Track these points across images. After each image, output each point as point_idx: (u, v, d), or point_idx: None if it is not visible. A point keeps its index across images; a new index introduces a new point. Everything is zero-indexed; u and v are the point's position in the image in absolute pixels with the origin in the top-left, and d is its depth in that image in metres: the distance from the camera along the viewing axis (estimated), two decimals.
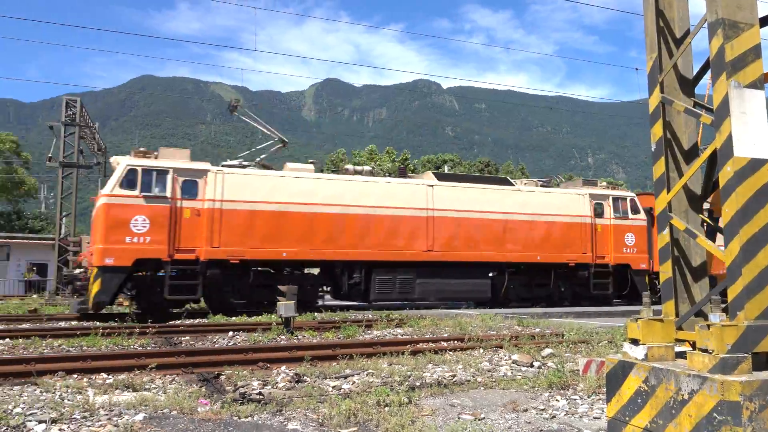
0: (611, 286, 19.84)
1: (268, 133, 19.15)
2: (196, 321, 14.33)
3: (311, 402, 5.86)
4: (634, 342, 3.98)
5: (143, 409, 5.46)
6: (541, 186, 20.62)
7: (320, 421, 5.27)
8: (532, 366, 8.34)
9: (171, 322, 13.62)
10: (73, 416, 5.13)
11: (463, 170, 74.16)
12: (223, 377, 7.48)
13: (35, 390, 6.38)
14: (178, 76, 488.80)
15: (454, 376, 7.56)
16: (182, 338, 11.65)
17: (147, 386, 6.81)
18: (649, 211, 21.57)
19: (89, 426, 4.86)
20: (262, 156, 18.77)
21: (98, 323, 12.96)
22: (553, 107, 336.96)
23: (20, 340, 10.39)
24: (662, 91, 4.36)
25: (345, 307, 17.83)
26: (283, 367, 8.03)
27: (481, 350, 9.54)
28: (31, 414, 5.16)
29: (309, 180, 17.10)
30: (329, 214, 16.91)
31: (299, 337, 11.60)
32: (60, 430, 4.76)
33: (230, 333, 11.99)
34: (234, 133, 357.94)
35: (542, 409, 5.78)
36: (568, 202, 19.77)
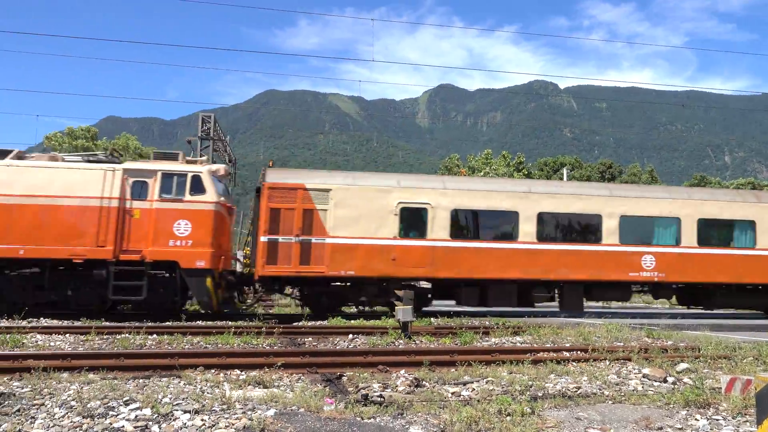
0: (145, 289, 14.96)
1: None
2: (317, 323, 14.91)
3: (432, 407, 5.89)
4: None
5: (274, 405, 5.79)
6: (80, 161, 15.95)
7: (441, 426, 5.28)
8: (665, 381, 7.79)
9: (295, 324, 14.26)
10: (213, 408, 5.54)
11: (583, 174, 70.80)
12: (344, 378, 7.73)
13: (179, 382, 6.97)
14: (298, 89, 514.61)
15: (578, 387, 7.24)
16: (305, 339, 12.18)
17: (276, 384, 7.21)
18: (257, 191, 17.14)
19: (227, 418, 5.23)
20: None
21: (230, 323, 13.89)
22: (684, 103, 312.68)
23: (165, 336, 11.41)
24: None
25: (459, 313, 17.70)
26: (402, 371, 8.14)
27: (607, 362, 9.07)
28: (177, 404, 5.65)
29: None
30: None
31: (416, 341, 11.69)
32: (202, 420, 5.17)
33: (350, 336, 12.35)
34: (351, 142, 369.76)
35: (679, 428, 5.38)
36: (83, 180, 15.15)
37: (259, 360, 8.35)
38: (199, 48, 31.26)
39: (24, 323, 13.07)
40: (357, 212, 16.47)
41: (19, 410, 5.43)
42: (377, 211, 16.57)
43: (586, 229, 17.86)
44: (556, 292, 17.90)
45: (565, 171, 53.22)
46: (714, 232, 18.43)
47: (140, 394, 6.03)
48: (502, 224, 17.51)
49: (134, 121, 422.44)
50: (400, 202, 16.73)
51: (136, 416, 5.26)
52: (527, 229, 17.17)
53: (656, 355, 9.43)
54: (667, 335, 12.43)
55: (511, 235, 17.25)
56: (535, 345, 11.17)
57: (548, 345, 11.12)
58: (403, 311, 11.99)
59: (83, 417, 5.23)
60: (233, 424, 5.07)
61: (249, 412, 5.44)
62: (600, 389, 7.20)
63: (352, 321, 14.99)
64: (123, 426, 5.02)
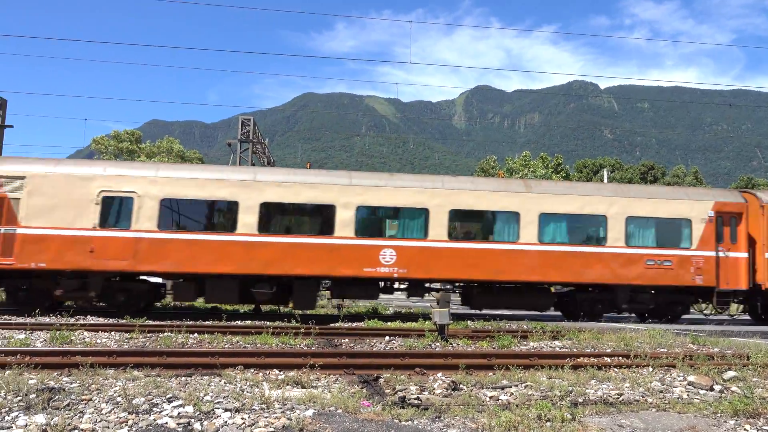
0: None
1: None
2: (354, 324, 14.97)
3: (469, 411, 5.85)
4: None
5: (312, 405, 5.84)
6: None
7: (479, 430, 5.24)
8: (712, 389, 7.55)
9: (331, 325, 14.36)
10: (253, 407, 5.63)
11: (624, 175, 69.27)
12: (381, 380, 7.74)
13: (220, 381, 7.10)
14: (335, 92, 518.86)
15: (620, 394, 7.09)
16: (342, 340, 12.25)
17: (314, 384, 7.27)
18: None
19: (266, 417, 5.30)
20: None
21: (268, 323, 14.08)
22: (731, 102, 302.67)
23: (206, 336, 11.64)
24: None
25: (498, 316, 17.52)
26: (440, 374, 8.10)
27: (650, 368, 8.84)
28: (218, 402, 5.75)
29: None
30: None
31: (453, 344, 11.63)
32: (242, 418, 5.25)
33: (386, 338, 12.37)
34: (386, 144, 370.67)
35: None
36: None
37: (297, 360, 8.44)
38: (238, 52, 31.87)
39: (72, 320, 13.54)
40: (54, 201, 15.40)
41: (68, 405, 5.62)
42: (76, 200, 15.45)
43: (317, 220, 16.64)
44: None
45: (605, 172, 52.16)
46: (469, 224, 17.13)
47: (182, 392, 6.16)
48: (220, 214, 16.43)
49: (177, 124, 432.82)
50: (102, 191, 15.58)
51: (179, 413, 5.38)
52: (247, 219, 15.92)
53: (702, 362, 9.15)
54: (713, 342, 12.04)
55: (229, 226, 16.03)
56: (574, 350, 10.98)
57: (588, 350, 10.91)
58: (440, 314, 11.95)
59: (128, 413, 5.38)
60: (272, 423, 5.13)
61: (288, 412, 5.50)
62: (643, 396, 7.02)
63: (389, 323, 15.02)
64: (166, 422, 5.14)
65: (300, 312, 17.62)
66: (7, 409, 5.38)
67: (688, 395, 7.22)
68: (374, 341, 12.13)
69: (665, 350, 10.61)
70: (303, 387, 7.03)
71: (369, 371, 8.17)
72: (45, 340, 10.49)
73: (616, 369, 8.71)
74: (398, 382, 7.49)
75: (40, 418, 5.09)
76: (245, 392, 6.42)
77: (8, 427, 4.93)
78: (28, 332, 11.47)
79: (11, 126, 26.32)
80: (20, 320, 13.30)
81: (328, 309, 20.83)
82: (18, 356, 8.01)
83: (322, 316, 17.20)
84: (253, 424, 5.12)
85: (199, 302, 21.21)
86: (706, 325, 16.56)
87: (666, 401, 6.73)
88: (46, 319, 13.87)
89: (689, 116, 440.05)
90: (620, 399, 6.85)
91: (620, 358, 9.73)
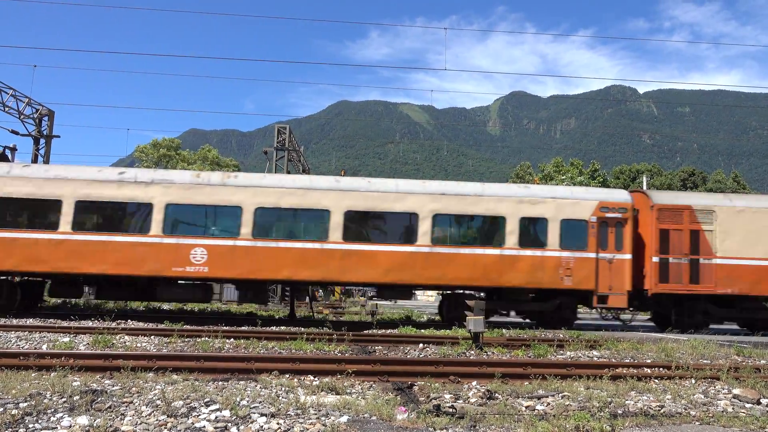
0: None
1: None
2: (388, 331, 14.95)
3: (505, 420, 5.77)
4: None
5: (347, 411, 5.85)
6: None
7: None
8: (758, 403, 7.28)
9: (365, 331, 14.38)
10: (288, 412, 5.67)
11: (663, 181, 67.61)
12: (416, 387, 7.72)
13: (256, 386, 7.18)
14: (370, 99, 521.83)
15: (661, 406, 6.89)
16: (375, 347, 12.25)
17: (348, 390, 7.28)
18: None
19: (302, 423, 5.34)
20: None
21: (303, 329, 14.18)
22: None
23: (242, 341, 11.79)
24: None
25: (531, 325, 17.27)
26: (474, 382, 8.03)
27: (693, 380, 8.59)
28: (254, 407, 5.82)
29: None
30: None
31: (488, 353, 11.51)
32: (278, 424, 5.30)
33: (420, 345, 12.32)
34: (420, 151, 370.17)
35: None
36: None
37: (332, 366, 8.49)
38: (274, 62, 32.36)
39: (113, 324, 13.90)
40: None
41: (110, 407, 5.77)
42: None
43: None
44: None
45: (644, 179, 51.00)
46: None
47: (219, 396, 6.25)
48: None
49: (214, 133, 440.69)
50: None
51: (216, 417, 5.46)
52: None
53: (748, 374, 8.84)
54: (759, 354, 11.63)
55: None
56: (613, 360, 10.74)
57: (627, 360, 10.66)
58: (474, 322, 11.84)
59: (168, 416, 5.49)
60: (308, 429, 5.17)
61: (323, 418, 5.53)
62: (685, 409, 6.82)
63: (423, 330, 14.96)
64: (204, 426, 5.22)
65: (333, 318, 17.74)
66: (52, 410, 5.55)
67: (733, 408, 6.98)
68: (408, 348, 12.11)
69: (708, 362, 10.30)
70: (337, 393, 7.05)
71: (403, 378, 8.15)
72: (88, 344, 10.79)
73: (656, 380, 8.49)
74: (433, 390, 7.45)
75: (83, 420, 5.24)
76: (281, 397, 6.48)
77: (53, 428, 5.09)
78: (72, 335, 11.83)
79: (58, 136, 27.37)
80: (65, 324, 13.71)
81: (362, 315, 20.88)
82: (62, 359, 8.27)
83: (355, 323, 17.24)
84: (289, 430, 5.17)
85: (235, 308, 21.54)
86: (753, 336, 15.98)
87: (710, 414, 6.52)
88: (89, 323, 14.26)
89: (733, 120, 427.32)
90: (662, 411, 6.67)
91: (661, 369, 9.49)
